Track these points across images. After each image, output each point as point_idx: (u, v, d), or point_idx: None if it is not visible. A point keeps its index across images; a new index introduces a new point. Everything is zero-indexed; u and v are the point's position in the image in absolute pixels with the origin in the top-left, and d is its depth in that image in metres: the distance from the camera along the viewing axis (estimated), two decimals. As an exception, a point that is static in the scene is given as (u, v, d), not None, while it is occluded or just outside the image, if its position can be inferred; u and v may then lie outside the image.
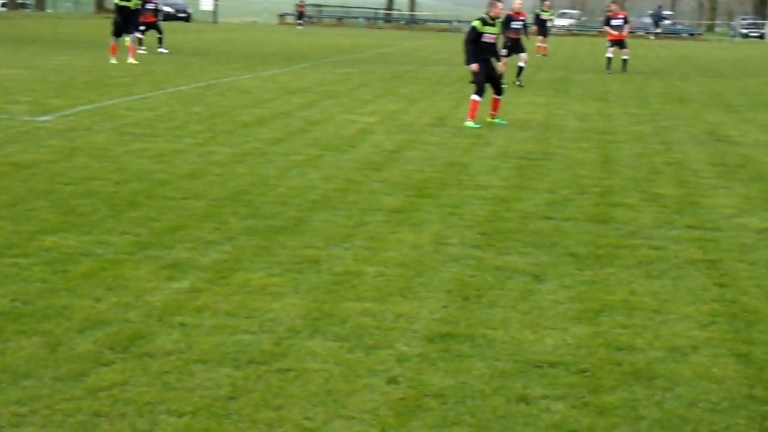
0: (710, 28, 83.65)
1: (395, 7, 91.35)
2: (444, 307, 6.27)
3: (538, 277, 7.02)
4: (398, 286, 6.68)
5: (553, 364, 5.32)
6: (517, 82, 23.13)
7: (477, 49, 15.25)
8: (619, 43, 28.71)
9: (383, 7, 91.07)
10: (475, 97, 15.47)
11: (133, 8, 25.83)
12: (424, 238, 8.05)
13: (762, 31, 76.91)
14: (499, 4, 15.44)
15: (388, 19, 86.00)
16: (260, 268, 7.05)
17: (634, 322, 6.08)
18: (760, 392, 4.99)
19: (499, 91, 15.75)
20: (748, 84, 26.50)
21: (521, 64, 23.11)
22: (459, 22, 76.43)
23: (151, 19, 31.60)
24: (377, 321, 5.94)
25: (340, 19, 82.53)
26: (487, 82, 15.52)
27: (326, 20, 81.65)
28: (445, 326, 5.89)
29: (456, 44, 46.58)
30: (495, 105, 15.94)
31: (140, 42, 30.00)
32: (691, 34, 75.97)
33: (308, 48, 39.08)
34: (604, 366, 5.31)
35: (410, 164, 11.71)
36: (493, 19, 15.45)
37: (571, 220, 8.92)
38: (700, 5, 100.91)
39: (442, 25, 79.03)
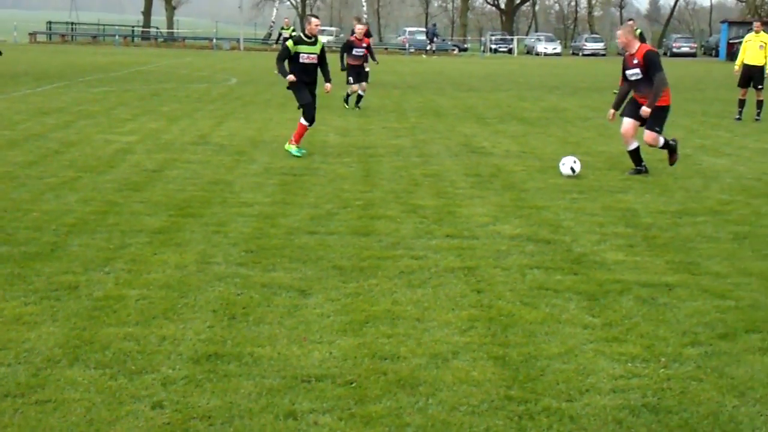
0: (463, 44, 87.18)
1: (152, 24, 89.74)
2: (210, 327, 6.19)
3: (304, 292, 7.05)
4: (162, 309, 6.52)
5: (320, 378, 5.35)
6: (357, 108, 22.36)
7: (296, 71, 14.13)
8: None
9: (140, 24, 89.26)
10: (303, 121, 14.37)
11: None
12: (188, 258, 7.91)
13: (510, 46, 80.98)
14: (314, 20, 14.47)
15: (145, 36, 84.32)
16: (14, 296, 6.70)
17: (398, 331, 6.21)
18: (516, 393, 5.22)
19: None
20: (498, 97, 27.78)
21: (361, 92, 22.49)
22: (219, 39, 76.04)
23: None
24: (141, 345, 5.78)
25: (94, 37, 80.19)
26: None
27: (80, 38, 79.04)
28: (212, 346, 5.80)
29: (216, 61, 46.27)
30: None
31: None
32: (462, 50, 79.11)
33: (62, 67, 37.69)
34: (370, 376, 5.39)
35: (172, 183, 11.50)
36: (309, 36, 14.28)
37: (336, 233, 9.03)
38: (452, 22, 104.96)
39: (202, 42, 78.35)
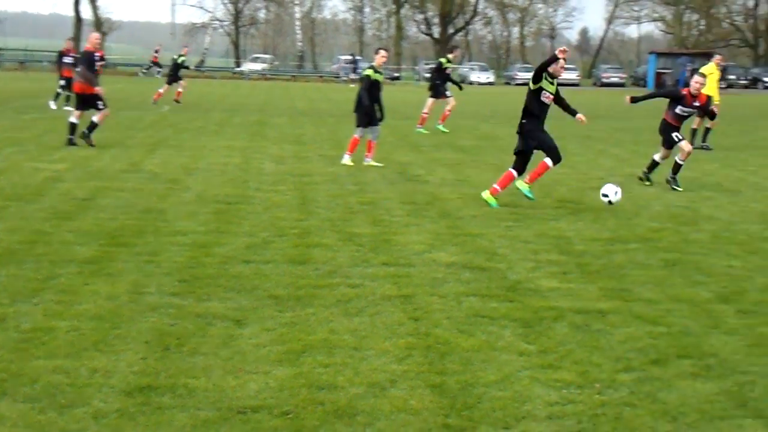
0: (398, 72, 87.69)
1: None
2: (143, 358, 6.08)
3: (239, 322, 6.97)
4: (93, 340, 6.40)
5: (256, 409, 5.28)
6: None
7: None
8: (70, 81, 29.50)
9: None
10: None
11: None
12: (120, 289, 7.78)
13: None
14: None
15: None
16: (-61, 329, 6.52)
17: (335, 360, 6.17)
18: (454, 421, 5.21)
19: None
20: (433, 125, 27.91)
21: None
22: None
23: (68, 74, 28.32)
24: (71, 378, 5.66)
25: (22, 62, 78.93)
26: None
27: (7, 64, 77.78)
28: (145, 378, 5.70)
29: (148, 88, 45.88)
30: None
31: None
32: (394, 78, 79.44)
33: (-10, 93, 37.06)
34: (307, 406, 5.34)
35: (104, 212, 11.32)
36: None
37: (271, 262, 8.96)
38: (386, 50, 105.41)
39: (134, 69, 77.66)
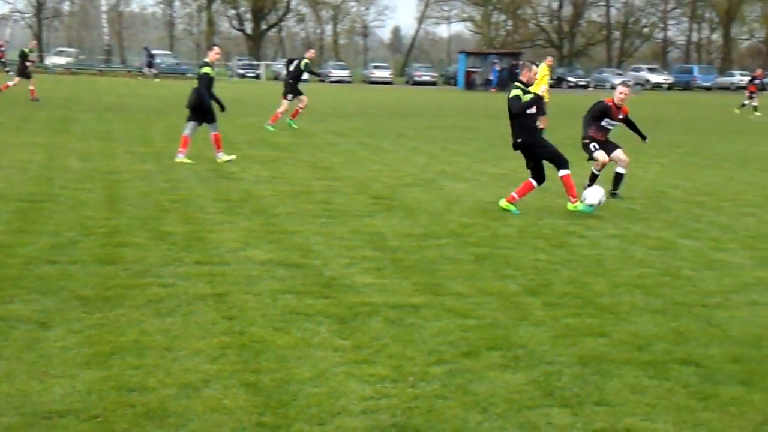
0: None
1: None
2: (-61, 365, 5.76)
3: (44, 324, 6.70)
4: None
5: (62, 414, 5.09)
6: None
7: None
8: None
9: None
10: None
11: None
12: None
13: (258, 71, 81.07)
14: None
15: None
16: None
17: (146, 361, 6.02)
18: (268, 419, 5.17)
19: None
20: (247, 122, 27.72)
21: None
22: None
23: None
24: None
25: None
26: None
27: None
28: (-59, 386, 5.40)
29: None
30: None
31: None
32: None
33: None
34: (117, 409, 5.19)
35: None
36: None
37: (78, 262, 8.66)
38: (198, 45, 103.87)
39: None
